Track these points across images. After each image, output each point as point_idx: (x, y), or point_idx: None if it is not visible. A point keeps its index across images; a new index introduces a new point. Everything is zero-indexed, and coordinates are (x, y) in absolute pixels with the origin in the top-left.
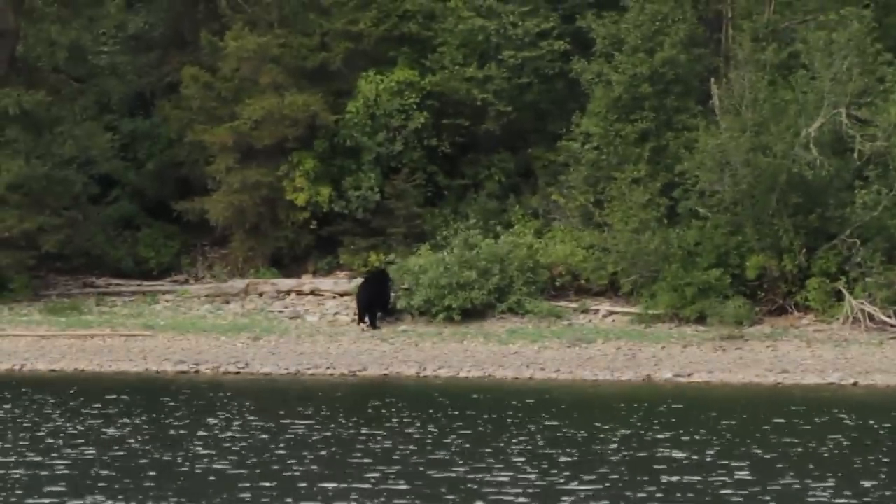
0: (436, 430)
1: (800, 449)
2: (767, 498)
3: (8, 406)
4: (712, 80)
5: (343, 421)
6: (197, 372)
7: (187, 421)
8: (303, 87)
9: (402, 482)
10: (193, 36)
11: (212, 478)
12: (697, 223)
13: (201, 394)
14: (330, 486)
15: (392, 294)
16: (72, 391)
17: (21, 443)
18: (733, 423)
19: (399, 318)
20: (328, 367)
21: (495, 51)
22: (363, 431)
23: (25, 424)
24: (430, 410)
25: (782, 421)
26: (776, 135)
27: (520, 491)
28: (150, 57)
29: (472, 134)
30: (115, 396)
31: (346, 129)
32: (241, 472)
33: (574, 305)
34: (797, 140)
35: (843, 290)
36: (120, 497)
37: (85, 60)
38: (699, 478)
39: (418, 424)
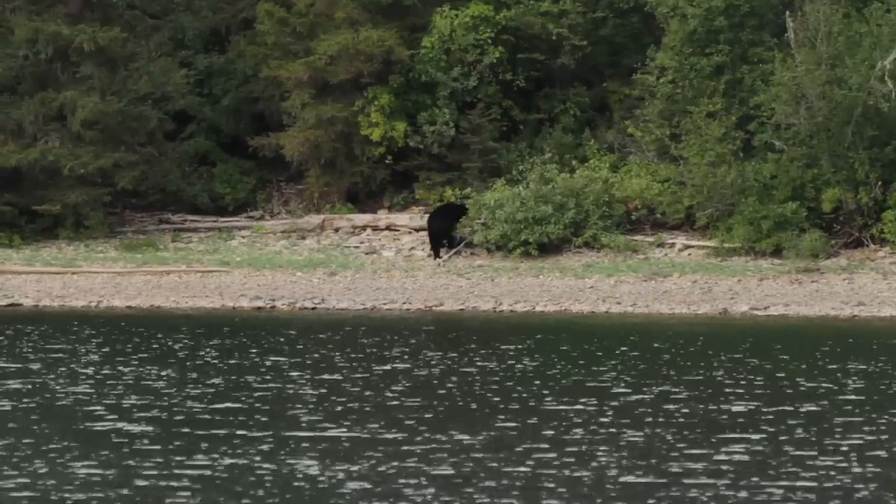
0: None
1: None
2: None
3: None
4: (787, 13)
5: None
6: (273, 308)
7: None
8: (378, 22)
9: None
10: None
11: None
12: (773, 156)
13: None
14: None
15: (457, 230)
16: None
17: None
18: None
19: (472, 252)
20: (404, 303)
21: None
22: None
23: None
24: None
25: None
26: (851, 68)
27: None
28: None
29: (547, 68)
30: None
31: (421, 65)
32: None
33: (650, 239)
34: (872, 73)
35: None
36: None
37: None
38: None
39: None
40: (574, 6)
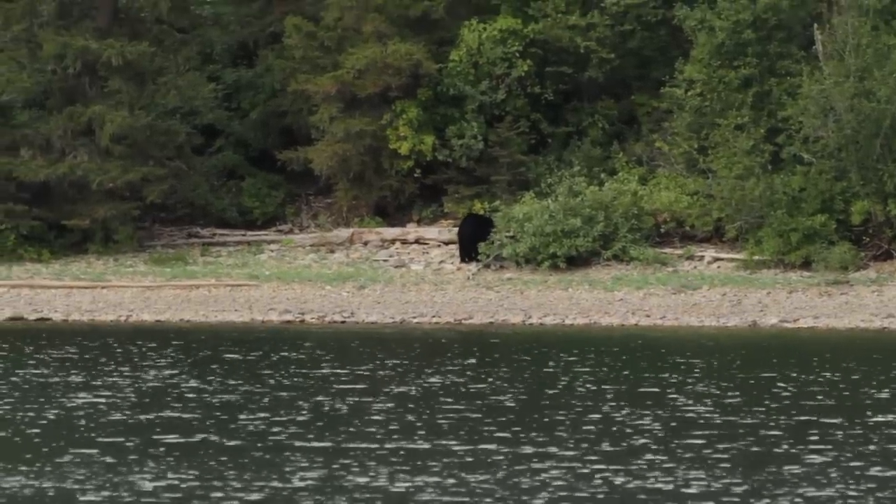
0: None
1: None
2: None
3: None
4: (815, 25)
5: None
6: (303, 321)
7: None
8: (406, 35)
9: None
10: None
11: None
12: (802, 169)
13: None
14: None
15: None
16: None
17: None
18: None
19: (501, 265)
20: (434, 316)
21: None
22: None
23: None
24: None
25: None
26: (880, 80)
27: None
28: (252, 7)
29: (575, 81)
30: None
31: (449, 78)
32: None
33: (679, 252)
34: None
35: None
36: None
37: (188, 11)
38: None
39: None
40: (602, 19)
